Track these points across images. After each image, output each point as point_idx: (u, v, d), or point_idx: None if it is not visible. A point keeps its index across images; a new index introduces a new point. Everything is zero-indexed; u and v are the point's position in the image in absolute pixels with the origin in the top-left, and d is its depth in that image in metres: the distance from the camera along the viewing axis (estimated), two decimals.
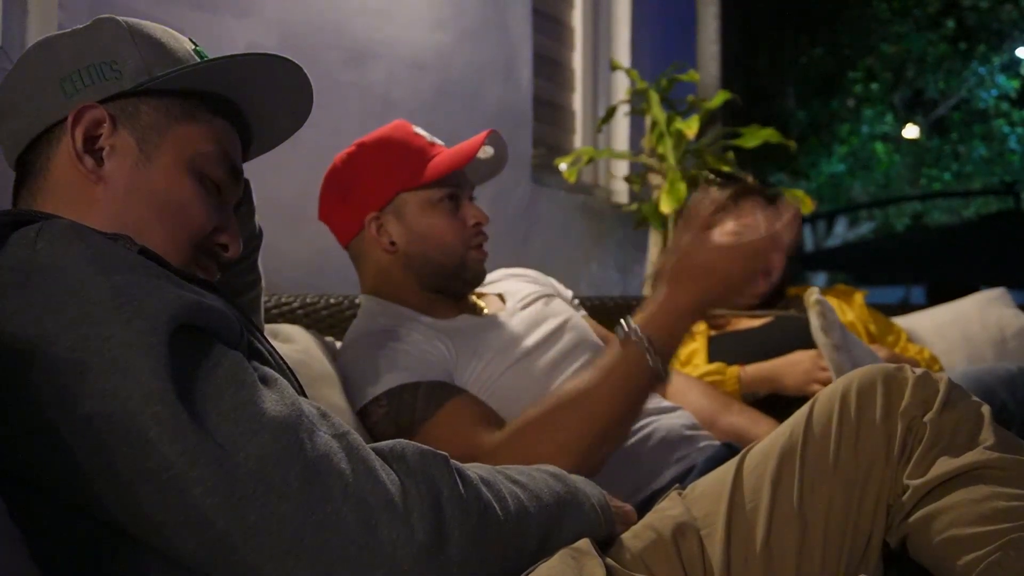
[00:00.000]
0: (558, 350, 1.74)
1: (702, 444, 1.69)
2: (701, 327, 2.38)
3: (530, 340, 1.73)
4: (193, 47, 1.15)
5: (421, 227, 1.73)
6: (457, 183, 1.76)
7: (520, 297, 1.85)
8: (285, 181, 2.10)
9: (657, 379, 1.44)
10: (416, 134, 1.77)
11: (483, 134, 1.75)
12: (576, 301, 2.03)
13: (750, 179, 2.55)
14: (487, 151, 1.83)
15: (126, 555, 0.87)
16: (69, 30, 1.12)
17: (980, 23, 12.00)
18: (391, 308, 1.74)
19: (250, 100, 1.16)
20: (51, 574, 0.84)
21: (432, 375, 1.60)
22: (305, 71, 1.16)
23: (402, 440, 0.96)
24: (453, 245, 1.74)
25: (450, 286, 1.77)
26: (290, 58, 1.13)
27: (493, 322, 1.75)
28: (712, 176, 2.63)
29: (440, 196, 1.74)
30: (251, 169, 1.25)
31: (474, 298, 1.84)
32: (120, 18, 1.11)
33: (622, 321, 1.46)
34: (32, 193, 1.08)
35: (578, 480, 1.13)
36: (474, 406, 1.58)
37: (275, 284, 1.77)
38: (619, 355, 1.45)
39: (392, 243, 1.75)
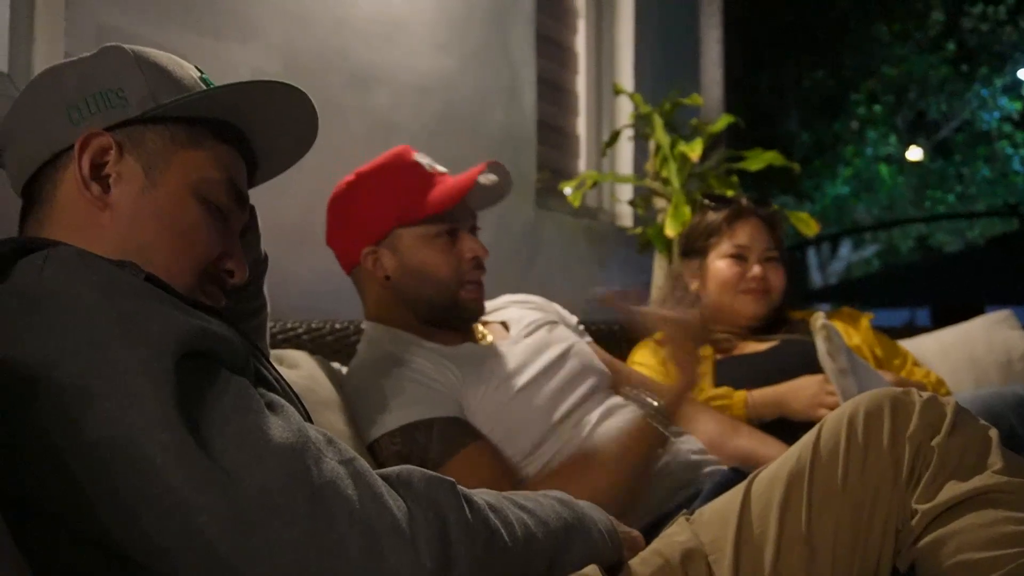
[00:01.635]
0: (561, 377, 1.73)
1: (709, 469, 1.68)
2: (707, 351, 2.38)
3: (534, 368, 1.72)
4: (199, 74, 1.16)
5: (415, 263, 1.73)
6: (456, 217, 1.75)
7: (524, 325, 1.84)
8: (289, 206, 2.11)
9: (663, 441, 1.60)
10: (416, 163, 1.76)
11: (480, 166, 1.75)
12: (581, 327, 2.02)
13: (744, 200, 2.54)
14: (489, 178, 1.82)
15: None
16: (75, 58, 1.13)
17: (981, 45, 12.05)
18: (395, 334, 1.74)
19: (255, 126, 1.17)
20: None
21: (445, 410, 1.60)
22: (310, 97, 1.16)
23: (408, 466, 0.96)
24: (446, 281, 1.73)
25: (444, 321, 1.77)
26: (295, 85, 1.13)
27: (497, 351, 1.75)
28: (706, 200, 2.63)
29: (437, 231, 1.73)
30: (255, 194, 1.25)
31: (479, 327, 1.84)
32: (126, 46, 1.12)
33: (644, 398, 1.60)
34: (39, 220, 1.09)
35: (585, 506, 1.13)
36: (489, 455, 1.59)
37: (280, 310, 1.77)
38: (637, 424, 1.58)
39: (387, 277, 1.75)
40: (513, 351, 1.75)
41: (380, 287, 1.76)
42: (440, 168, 1.79)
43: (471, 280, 1.76)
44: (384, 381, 1.63)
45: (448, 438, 1.56)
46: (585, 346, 1.88)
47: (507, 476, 1.58)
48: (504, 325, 1.87)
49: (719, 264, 2.45)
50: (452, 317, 1.76)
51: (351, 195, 1.76)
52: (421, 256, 1.73)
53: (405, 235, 1.73)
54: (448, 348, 1.71)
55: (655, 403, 1.57)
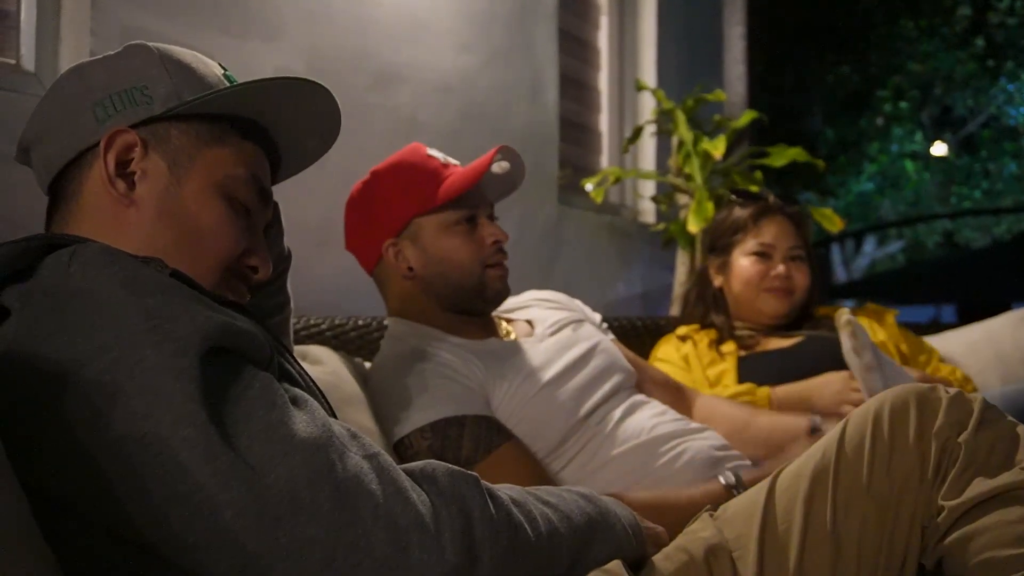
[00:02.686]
0: (586, 374, 1.73)
1: (732, 463, 1.68)
2: (731, 347, 2.37)
3: (559, 365, 1.72)
4: (222, 72, 1.16)
5: (437, 250, 1.73)
6: (473, 203, 1.76)
7: (549, 324, 1.84)
8: (313, 203, 2.12)
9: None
10: (429, 156, 1.77)
11: (492, 151, 1.75)
12: (604, 325, 2.02)
13: (771, 197, 2.53)
14: (503, 166, 1.82)
15: None
16: (101, 56, 1.14)
17: (1008, 40, 11.93)
18: (419, 329, 1.75)
19: (278, 124, 1.17)
20: None
21: (475, 408, 1.60)
22: (333, 95, 1.17)
23: (432, 461, 0.96)
24: (470, 266, 1.73)
25: (472, 306, 1.77)
26: (318, 82, 1.14)
27: (521, 347, 1.75)
28: (733, 196, 2.62)
29: (455, 218, 1.74)
30: (279, 192, 1.26)
31: (503, 323, 1.84)
32: (151, 44, 1.13)
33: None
34: (65, 217, 1.10)
35: (609, 502, 1.13)
36: (521, 455, 1.59)
37: (304, 306, 1.78)
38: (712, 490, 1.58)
39: (410, 268, 1.75)
40: (538, 348, 1.75)
41: (404, 280, 1.77)
42: (453, 161, 1.79)
43: (495, 263, 1.76)
44: (410, 377, 1.63)
45: (479, 436, 1.57)
46: (610, 344, 1.88)
47: (539, 477, 1.58)
48: (529, 324, 1.87)
49: (743, 261, 2.44)
50: (479, 300, 1.76)
51: (368, 193, 1.77)
52: (443, 243, 1.73)
53: (425, 224, 1.74)
54: (473, 343, 1.71)
55: (737, 480, 1.60)
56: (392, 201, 1.74)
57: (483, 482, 0.96)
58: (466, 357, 1.66)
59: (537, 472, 1.59)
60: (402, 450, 1.58)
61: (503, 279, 1.78)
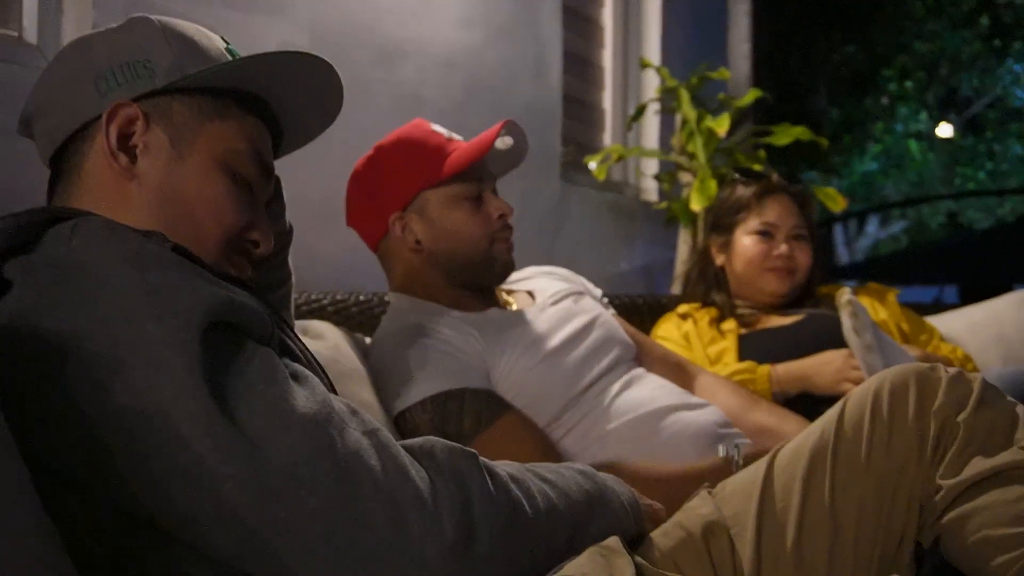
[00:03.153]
0: (587, 346, 1.74)
1: (734, 440, 1.68)
2: (731, 325, 2.37)
3: (559, 336, 1.73)
4: (225, 45, 1.16)
5: (445, 224, 1.74)
6: (478, 177, 1.76)
7: (550, 294, 1.85)
8: (315, 178, 2.11)
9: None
10: (434, 131, 1.77)
11: (498, 125, 1.75)
12: (605, 299, 2.02)
13: (774, 176, 2.53)
14: (506, 141, 1.82)
15: (159, 549, 0.88)
16: (103, 29, 1.14)
17: (1015, 20, 11.86)
18: (421, 304, 1.75)
19: (281, 98, 1.17)
20: (86, 567, 0.85)
21: (474, 381, 1.61)
22: (335, 69, 1.16)
23: (431, 437, 0.96)
24: (479, 239, 1.74)
25: (479, 279, 1.77)
26: (322, 56, 1.13)
27: (522, 317, 1.76)
28: (736, 174, 2.61)
29: (462, 191, 1.74)
30: (281, 166, 1.26)
31: (504, 294, 1.84)
32: (154, 17, 1.12)
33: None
34: (67, 191, 1.10)
35: (608, 478, 1.13)
36: (523, 426, 1.60)
37: (305, 281, 1.78)
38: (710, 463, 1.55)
39: (417, 242, 1.75)
40: (539, 318, 1.76)
41: (410, 254, 1.77)
42: (457, 136, 1.79)
43: (501, 236, 1.77)
44: (410, 352, 1.63)
45: (480, 409, 1.57)
46: (610, 317, 1.88)
47: (543, 446, 1.59)
48: (530, 294, 1.87)
49: (746, 240, 2.44)
50: (487, 273, 1.77)
51: (373, 168, 1.77)
52: (451, 217, 1.74)
53: (432, 198, 1.74)
54: (473, 315, 1.72)
55: (737, 452, 1.53)
56: (398, 175, 1.74)
57: (482, 459, 0.96)
58: (466, 331, 1.67)
59: (539, 442, 1.60)
60: (402, 424, 1.59)
61: (510, 251, 1.79)
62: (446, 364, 1.61)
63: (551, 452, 1.60)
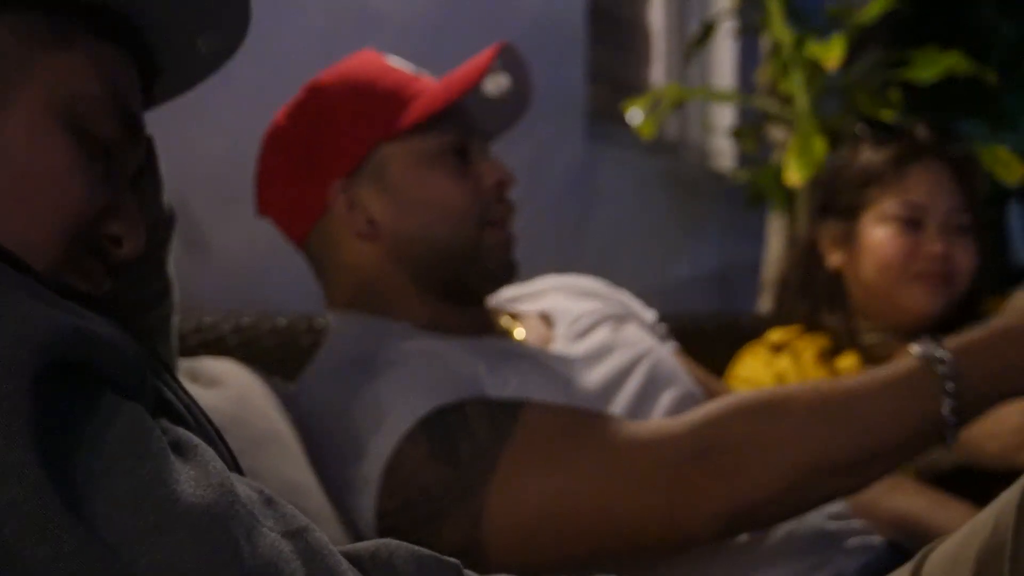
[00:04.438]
0: (630, 395, 1.73)
1: (852, 542, 1.69)
2: (852, 361, 2.37)
3: (590, 381, 1.73)
4: None
5: (414, 191, 1.73)
6: (462, 127, 1.76)
7: (573, 318, 1.85)
8: (210, 139, 2.11)
9: (940, 436, 1.49)
10: (391, 67, 1.78)
11: (488, 51, 1.74)
12: (661, 325, 2.03)
13: (921, 131, 2.53)
14: (499, 82, 1.82)
15: None
16: None
17: None
18: (379, 325, 1.74)
19: (154, 13, 1.16)
20: None
21: (471, 389, 1.59)
22: None
23: (392, 542, 0.95)
24: (463, 216, 1.73)
25: (464, 283, 1.77)
26: None
27: (535, 351, 1.76)
28: (859, 128, 2.62)
29: (438, 145, 1.73)
30: (156, 121, 1.25)
31: (504, 317, 1.85)
32: None
33: (927, 339, 1.52)
34: None
35: None
36: (554, 408, 1.59)
37: (195, 297, 1.77)
38: (906, 373, 1.50)
39: (371, 222, 1.74)
40: (557, 357, 1.76)
41: (361, 243, 1.75)
42: (427, 75, 1.79)
43: (496, 219, 1.76)
44: (371, 381, 1.62)
45: (493, 414, 1.56)
46: (667, 354, 1.88)
47: (590, 419, 1.58)
48: (545, 320, 1.87)
49: (879, 233, 2.44)
50: (473, 274, 1.76)
51: (303, 118, 1.77)
52: (423, 181, 1.73)
53: (395, 154, 1.73)
54: (461, 341, 1.71)
55: (943, 353, 1.50)
56: (343, 123, 1.74)
57: (467, 572, 0.95)
58: (456, 351, 1.66)
59: (585, 414, 1.59)
60: (392, 479, 1.57)
61: (511, 244, 1.78)
62: (429, 376, 1.61)
63: (595, 423, 1.59)
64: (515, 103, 1.86)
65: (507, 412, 1.56)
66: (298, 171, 1.77)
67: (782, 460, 1.47)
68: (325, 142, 1.75)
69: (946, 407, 1.46)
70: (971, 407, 1.48)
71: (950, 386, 1.46)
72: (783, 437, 1.48)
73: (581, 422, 1.57)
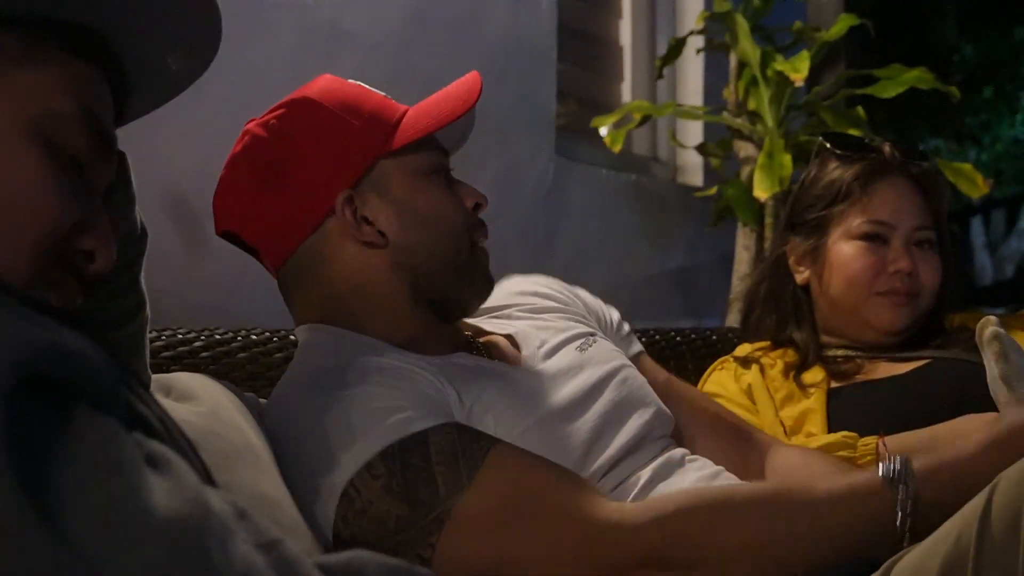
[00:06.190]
0: (598, 413, 1.74)
1: None
2: (818, 376, 2.37)
3: (559, 398, 1.74)
4: None
5: (416, 203, 1.75)
6: (441, 149, 1.80)
7: (540, 341, 1.86)
8: (183, 155, 2.11)
9: (892, 547, 1.49)
10: (364, 88, 1.80)
11: (471, 79, 1.77)
12: (626, 329, 2.05)
13: (886, 147, 2.53)
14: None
15: None
16: None
17: None
18: (350, 340, 1.74)
19: (126, 31, 1.17)
20: None
21: (436, 416, 1.58)
22: None
23: (364, 553, 0.96)
24: (460, 229, 1.77)
25: (455, 296, 1.79)
26: None
27: (505, 370, 1.77)
28: (826, 143, 2.61)
29: (428, 164, 1.76)
30: (129, 137, 1.25)
31: (472, 336, 1.85)
32: None
33: (889, 456, 1.56)
34: None
35: None
36: (527, 463, 1.59)
37: (168, 312, 1.77)
38: (865, 491, 1.54)
39: (381, 233, 1.75)
40: (527, 376, 1.77)
41: (365, 253, 1.75)
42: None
43: (480, 234, 1.80)
44: (340, 400, 1.61)
45: (456, 451, 1.55)
46: (635, 372, 1.89)
47: (587, 486, 1.59)
48: (511, 341, 1.88)
49: (845, 249, 2.44)
50: (465, 288, 1.79)
51: (292, 132, 1.75)
52: (424, 194, 1.76)
53: (393, 169, 1.75)
54: (435, 359, 1.72)
55: (899, 464, 1.55)
56: (341, 137, 1.74)
57: None
58: (427, 372, 1.66)
59: (574, 475, 1.60)
60: (347, 506, 1.56)
61: (488, 262, 1.82)
62: (393, 401, 1.60)
63: (568, 481, 1.59)
64: (464, 125, 1.87)
65: (473, 453, 1.56)
66: (289, 185, 1.76)
67: (733, 562, 1.49)
68: (325, 155, 1.75)
69: (901, 523, 1.49)
70: (927, 519, 1.47)
71: (908, 506, 1.49)
72: (738, 541, 1.50)
73: (544, 485, 1.56)
